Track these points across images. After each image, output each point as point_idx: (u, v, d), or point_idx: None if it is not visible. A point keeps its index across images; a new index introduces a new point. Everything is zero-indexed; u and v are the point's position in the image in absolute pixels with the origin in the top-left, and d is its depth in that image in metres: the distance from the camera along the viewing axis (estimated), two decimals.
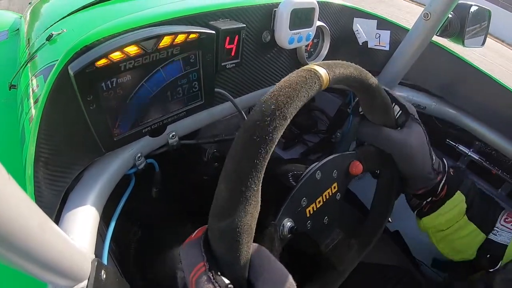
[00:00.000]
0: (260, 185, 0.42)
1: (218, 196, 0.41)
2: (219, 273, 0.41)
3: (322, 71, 0.47)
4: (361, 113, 0.71)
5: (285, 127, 0.42)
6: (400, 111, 0.71)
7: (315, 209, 0.60)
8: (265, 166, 0.41)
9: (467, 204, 0.74)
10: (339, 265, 0.67)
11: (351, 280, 0.68)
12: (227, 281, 0.41)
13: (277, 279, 0.42)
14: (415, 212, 0.79)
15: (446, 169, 0.75)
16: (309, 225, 0.60)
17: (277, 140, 0.41)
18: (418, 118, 0.71)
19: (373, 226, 0.74)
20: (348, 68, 0.53)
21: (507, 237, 0.70)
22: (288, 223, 0.55)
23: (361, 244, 0.70)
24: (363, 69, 0.56)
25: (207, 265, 0.41)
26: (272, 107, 0.41)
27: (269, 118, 0.40)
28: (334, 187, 0.63)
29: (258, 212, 0.43)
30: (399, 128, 0.70)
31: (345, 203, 0.67)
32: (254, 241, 0.44)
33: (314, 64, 0.49)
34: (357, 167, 0.64)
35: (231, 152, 0.41)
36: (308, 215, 0.59)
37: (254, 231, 0.43)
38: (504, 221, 0.72)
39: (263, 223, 0.50)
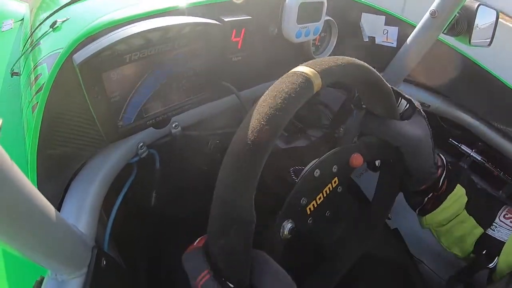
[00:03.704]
0: (253, 201, 0.42)
1: (213, 216, 0.42)
2: (223, 279, 0.42)
3: (313, 74, 0.45)
4: (363, 106, 0.70)
5: (275, 141, 0.41)
6: (408, 105, 0.70)
7: (315, 206, 0.60)
8: (255, 186, 0.41)
9: (467, 197, 0.73)
10: (340, 258, 0.67)
11: (349, 275, 0.69)
12: (232, 286, 0.42)
13: (279, 283, 0.44)
14: (417, 210, 0.79)
15: (445, 163, 0.75)
16: (310, 221, 0.60)
17: (265, 158, 0.41)
18: (423, 111, 0.71)
19: (375, 218, 0.74)
20: (340, 64, 0.51)
21: (505, 234, 0.69)
22: (288, 225, 0.55)
23: (362, 237, 0.71)
24: (358, 61, 0.55)
25: (212, 272, 0.42)
26: (260, 125, 0.40)
27: (256, 138, 0.40)
28: (335, 182, 0.63)
29: (253, 229, 0.43)
30: (405, 121, 0.70)
31: (347, 195, 0.67)
32: (255, 244, 0.44)
33: (303, 66, 0.47)
34: (357, 159, 0.63)
35: (219, 177, 0.41)
36: (308, 213, 0.59)
37: (251, 242, 0.43)
38: (504, 217, 0.71)
39: (263, 226, 0.50)
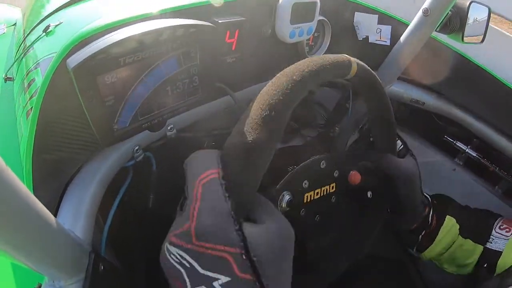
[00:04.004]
0: (287, 120, 0.44)
1: (247, 113, 0.42)
2: (232, 184, 0.40)
3: (354, 64, 0.53)
4: (371, 139, 0.74)
5: (306, 92, 0.46)
6: (402, 146, 0.77)
7: (311, 199, 0.61)
8: (293, 105, 0.44)
9: (458, 224, 0.77)
10: (325, 268, 0.68)
11: (348, 273, 0.69)
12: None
13: (282, 224, 0.42)
14: (414, 249, 0.82)
15: (430, 200, 0.80)
16: (302, 213, 0.60)
17: (300, 96, 0.45)
18: (413, 154, 0.77)
19: (357, 244, 0.75)
20: (374, 77, 0.59)
21: (502, 244, 0.72)
22: (287, 196, 0.55)
23: (344, 258, 0.71)
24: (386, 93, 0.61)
25: (221, 173, 0.40)
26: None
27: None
28: (332, 187, 0.64)
29: (276, 148, 0.44)
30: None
31: (339, 208, 0.68)
32: None
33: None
34: (355, 176, 0.66)
35: (265, 88, 0.44)
36: (304, 201, 0.59)
37: (270, 160, 0.43)
38: (499, 228, 0.74)
39: (264, 190, 0.50)
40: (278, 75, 0.46)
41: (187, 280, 0.37)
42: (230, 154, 0.42)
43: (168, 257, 0.39)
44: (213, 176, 0.40)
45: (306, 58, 0.49)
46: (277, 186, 0.55)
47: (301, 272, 0.68)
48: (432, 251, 0.79)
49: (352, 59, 0.54)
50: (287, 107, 0.43)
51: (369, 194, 0.73)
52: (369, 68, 0.57)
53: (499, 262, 0.70)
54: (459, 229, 0.76)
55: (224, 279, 0.36)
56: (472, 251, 0.74)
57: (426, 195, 0.80)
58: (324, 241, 0.69)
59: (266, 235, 0.39)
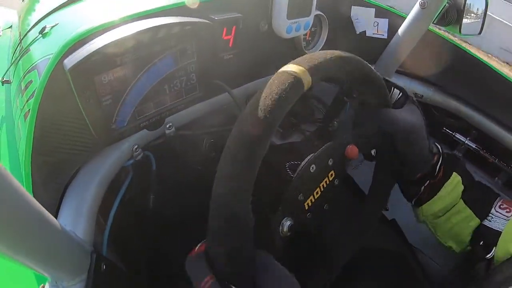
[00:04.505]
0: (250, 203, 0.42)
1: (211, 218, 0.42)
2: (227, 282, 0.42)
3: (302, 72, 0.46)
4: (354, 96, 0.71)
5: (269, 141, 0.42)
6: (400, 94, 0.72)
7: (313, 201, 0.60)
8: (251, 186, 0.41)
9: (463, 185, 0.74)
10: (338, 251, 0.68)
11: (349, 267, 0.69)
12: None
13: (282, 284, 0.44)
14: (413, 202, 0.79)
15: (441, 150, 0.75)
16: (309, 216, 0.60)
17: (260, 158, 0.42)
18: (415, 100, 0.72)
19: (372, 210, 0.74)
20: (329, 59, 0.51)
21: (501, 224, 0.70)
22: (287, 222, 0.55)
23: (360, 229, 0.71)
24: (347, 54, 0.55)
25: (215, 277, 0.42)
26: (252, 127, 0.41)
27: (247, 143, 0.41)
28: (331, 175, 0.63)
29: (252, 231, 0.43)
30: (398, 109, 0.71)
31: (344, 187, 0.67)
32: (254, 243, 0.44)
33: (292, 64, 0.47)
34: (353, 150, 0.64)
35: (215, 180, 0.41)
36: (307, 208, 0.59)
37: (252, 242, 0.44)
38: (499, 207, 0.72)
39: (262, 224, 0.50)
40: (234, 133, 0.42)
41: None
42: (215, 259, 0.43)
43: None
44: (210, 282, 0.42)
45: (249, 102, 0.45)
46: (275, 219, 0.55)
47: (317, 257, 0.68)
48: (431, 206, 0.75)
49: (298, 69, 0.47)
50: (251, 173, 0.42)
51: (373, 152, 0.71)
52: (325, 56, 0.52)
53: (498, 244, 0.68)
54: (463, 192, 0.74)
55: None
56: (468, 221, 0.72)
57: (438, 145, 0.76)
58: (335, 225, 0.68)
59: None
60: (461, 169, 0.76)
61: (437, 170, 0.73)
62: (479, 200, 0.73)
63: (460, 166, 0.76)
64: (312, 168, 0.59)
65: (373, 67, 0.59)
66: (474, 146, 1.11)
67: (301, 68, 0.46)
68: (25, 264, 0.35)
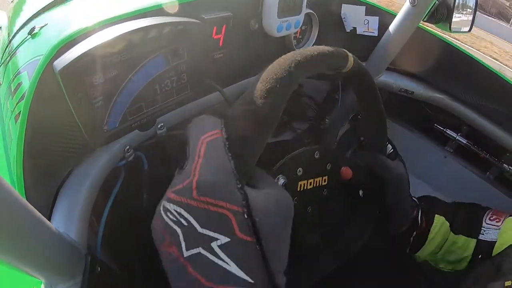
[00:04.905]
0: (288, 95, 0.45)
1: (252, 86, 0.43)
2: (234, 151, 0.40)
3: (351, 58, 0.54)
4: (361, 139, 0.75)
5: (306, 75, 0.48)
6: (392, 149, 0.77)
7: (304, 188, 0.61)
8: (295, 83, 0.46)
9: (448, 221, 0.78)
10: (317, 263, 0.69)
11: (346, 265, 0.70)
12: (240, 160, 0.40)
13: (282, 194, 0.42)
14: (408, 250, 0.83)
15: (417, 202, 0.82)
16: (295, 201, 0.61)
17: (300, 77, 0.47)
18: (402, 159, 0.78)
19: (349, 244, 0.75)
20: (367, 73, 0.60)
21: (494, 234, 0.73)
22: (282, 180, 0.56)
23: (334, 255, 0.72)
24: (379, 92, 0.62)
25: (225, 134, 0.40)
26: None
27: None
28: (325, 180, 0.64)
29: (278, 120, 0.44)
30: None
31: (331, 202, 0.69)
32: None
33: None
34: (347, 172, 0.67)
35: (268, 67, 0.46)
36: (297, 190, 0.60)
37: (273, 129, 0.44)
38: (489, 219, 0.75)
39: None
40: (283, 56, 0.48)
41: (182, 242, 0.36)
42: (234, 119, 0.42)
43: (164, 216, 0.37)
44: (217, 135, 0.39)
45: (308, 48, 0.50)
46: (274, 168, 0.56)
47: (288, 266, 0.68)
48: (425, 250, 0.80)
49: (350, 53, 0.55)
50: (290, 83, 0.45)
51: (360, 193, 0.74)
52: (362, 63, 0.58)
53: (494, 251, 0.71)
54: (450, 226, 0.78)
55: (223, 239, 0.35)
56: (466, 246, 0.76)
57: (414, 198, 0.82)
58: (314, 235, 0.69)
59: (268, 200, 0.39)
60: (441, 207, 0.81)
61: (419, 221, 0.79)
62: (468, 224, 0.78)
63: (439, 206, 0.82)
64: (316, 154, 0.60)
65: (364, 64, 0.61)
66: (465, 142, 1.12)
67: (351, 56, 0.55)
68: (19, 268, 0.35)
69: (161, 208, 0.38)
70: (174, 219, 0.36)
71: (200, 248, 0.35)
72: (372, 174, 0.72)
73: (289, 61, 0.46)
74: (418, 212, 0.79)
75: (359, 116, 1.07)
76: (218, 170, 0.37)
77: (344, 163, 0.68)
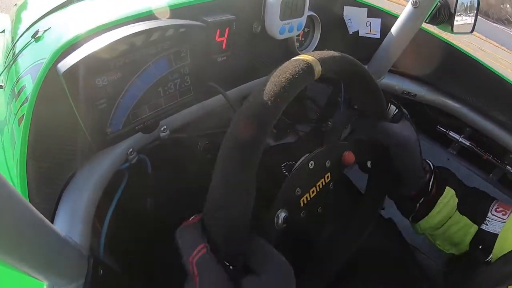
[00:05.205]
0: (255, 174, 0.43)
1: (213, 187, 0.42)
2: (219, 255, 0.42)
3: (313, 61, 0.50)
4: (354, 107, 0.72)
5: (278, 116, 0.44)
6: (396, 110, 0.75)
7: (309, 199, 0.60)
8: (259, 155, 0.43)
9: (457, 197, 0.76)
10: (331, 256, 0.68)
11: (346, 267, 0.70)
12: (227, 264, 0.42)
13: (280, 271, 0.43)
14: (410, 218, 0.81)
15: (432, 167, 0.78)
16: (303, 215, 0.60)
17: (269, 130, 0.43)
18: (409, 118, 0.75)
19: (366, 216, 0.74)
20: (339, 60, 0.55)
21: (498, 226, 0.71)
22: (282, 214, 0.55)
23: (353, 235, 0.71)
24: (355, 60, 0.58)
25: (208, 247, 0.42)
26: (266, 97, 0.43)
27: (262, 108, 0.43)
28: (328, 177, 0.64)
29: (253, 201, 0.44)
30: (394, 124, 0.73)
31: (339, 192, 0.68)
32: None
33: (307, 55, 0.51)
34: (349, 156, 0.65)
35: (224, 141, 0.43)
36: (302, 205, 0.59)
37: (249, 218, 0.44)
38: (495, 210, 0.73)
39: (257, 215, 0.50)
40: (235, 117, 0.45)
41: None
42: (211, 227, 0.43)
43: None
44: (202, 252, 0.42)
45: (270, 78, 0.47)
46: (271, 210, 0.55)
47: (308, 261, 0.68)
48: (428, 222, 0.78)
49: (310, 57, 0.51)
50: (256, 152, 0.43)
51: (368, 164, 0.72)
52: (332, 54, 0.55)
53: (495, 245, 0.70)
54: (458, 203, 0.76)
55: None
56: (467, 229, 0.74)
57: (429, 162, 0.79)
58: (329, 229, 0.69)
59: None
60: (454, 181, 0.79)
61: (430, 187, 0.76)
62: (475, 208, 0.75)
63: (453, 179, 0.79)
64: (311, 164, 0.60)
65: (367, 67, 0.60)
66: (468, 144, 1.12)
67: (312, 58, 0.50)
68: (22, 270, 0.35)
69: None
70: None
71: None
72: (377, 143, 0.71)
73: (251, 126, 0.43)
74: (431, 177, 0.77)
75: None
76: (214, 285, 0.41)
77: (345, 148, 0.67)
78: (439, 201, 0.76)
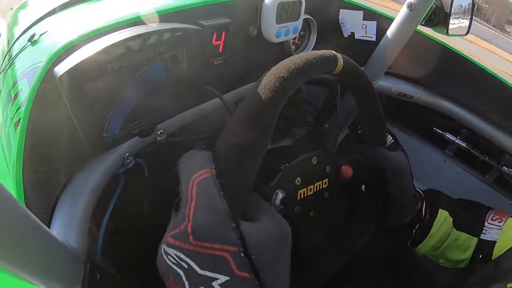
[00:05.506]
0: (276, 117, 0.45)
1: (237, 114, 0.43)
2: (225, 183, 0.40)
3: (341, 59, 0.54)
4: (359, 132, 0.75)
5: (294, 89, 0.47)
6: (392, 140, 0.78)
7: (305, 196, 0.61)
8: (282, 103, 0.45)
9: (452, 217, 0.78)
10: (315, 265, 0.68)
11: (346, 267, 0.70)
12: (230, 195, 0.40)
13: (279, 220, 0.43)
14: (409, 243, 0.83)
15: (422, 195, 0.81)
16: (297, 210, 0.61)
17: (289, 93, 0.46)
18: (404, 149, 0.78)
19: (354, 237, 0.75)
20: (360, 71, 0.60)
21: (496, 234, 0.73)
22: (280, 195, 0.56)
23: (342, 250, 0.72)
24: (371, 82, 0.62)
25: (215, 172, 0.40)
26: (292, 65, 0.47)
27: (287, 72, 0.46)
28: (325, 183, 0.64)
29: (267, 146, 0.44)
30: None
31: (333, 206, 0.69)
32: None
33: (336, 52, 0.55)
34: (347, 171, 0.67)
35: (253, 88, 0.45)
36: (298, 198, 0.60)
37: (262, 158, 0.44)
38: (491, 219, 0.75)
39: (257, 189, 0.50)
40: (265, 74, 0.46)
41: (185, 282, 0.37)
42: (222, 154, 0.42)
43: (166, 259, 0.39)
44: (207, 175, 0.40)
45: (293, 56, 0.50)
46: (270, 184, 0.56)
47: (295, 268, 0.68)
48: (427, 244, 0.80)
49: (338, 54, 0.55)
50: (276, 105, 0.44)
51: (363, 187, 0.73)
52: (354, 62, 0.58)
53: (494, 250, 0.71)
54: (453, 222, 0.78)
55: (223, 278, 0.36)
56: (468, 244, 0.75)
57: (418, 190, 0.81)
58: (319, 236, 0.69)
59: (264, 233, 0.40)
60: (445, 202, 0.81)
61: (423, 213, 0.79)
62: (471, 222, 0.78)
63: (443, 200, 0.82)
64: (314, 160, 0.60)
65: (363, 69, 0.61)
66: (464, 145, 1.13)
67: (339, 54, 0.55)
68: (18, 275, 0.35)
69: (162, 251, 0.40)
70: (175, 262, 0.38)
71: (202, 287, 0.37)
72: (373, 167, 0.72)
73: (273, 80, 0.45)
74: (423, 204, 0.79)
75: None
76: (211, 212, 0.38)
77: (344, 162, 0.68)
78: (434, 223, 0.78)
